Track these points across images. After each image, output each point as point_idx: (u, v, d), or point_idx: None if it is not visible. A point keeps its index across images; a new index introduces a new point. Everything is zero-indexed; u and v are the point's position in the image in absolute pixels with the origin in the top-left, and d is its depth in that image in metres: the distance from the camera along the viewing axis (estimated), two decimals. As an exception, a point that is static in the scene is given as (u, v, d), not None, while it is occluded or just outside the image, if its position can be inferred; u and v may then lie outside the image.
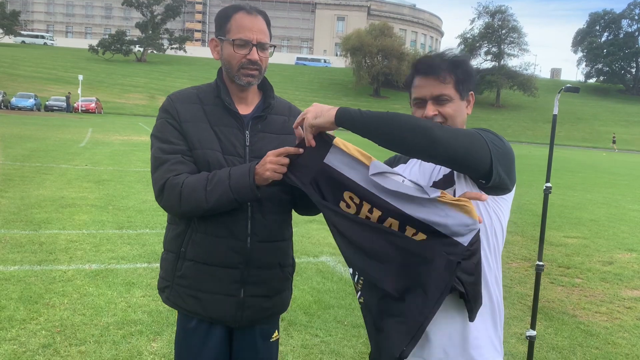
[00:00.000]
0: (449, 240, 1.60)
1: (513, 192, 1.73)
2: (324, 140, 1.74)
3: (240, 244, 1.89)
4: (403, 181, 1.64)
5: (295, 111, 2.12)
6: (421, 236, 1.62)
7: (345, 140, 1.76)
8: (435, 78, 1.74)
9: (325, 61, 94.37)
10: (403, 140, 1.54)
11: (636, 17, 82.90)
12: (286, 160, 1.76)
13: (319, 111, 1.63)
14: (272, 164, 1.75)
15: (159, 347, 3.68)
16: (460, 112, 1.76)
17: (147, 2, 77.48)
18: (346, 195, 1.71)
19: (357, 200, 1.71)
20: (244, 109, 1.97)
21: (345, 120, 1.57)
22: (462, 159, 1.55)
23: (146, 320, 4.09)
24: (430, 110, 1.74)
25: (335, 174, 1.72)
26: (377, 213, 1.67)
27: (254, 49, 1.87)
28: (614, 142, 51.68)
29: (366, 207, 1.69)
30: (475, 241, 1.61)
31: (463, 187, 1.63)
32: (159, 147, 1.90)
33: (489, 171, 1.56)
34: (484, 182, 1.61)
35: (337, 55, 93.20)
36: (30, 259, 5.35)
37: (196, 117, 1.91)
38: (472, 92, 1.81)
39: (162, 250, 2.06)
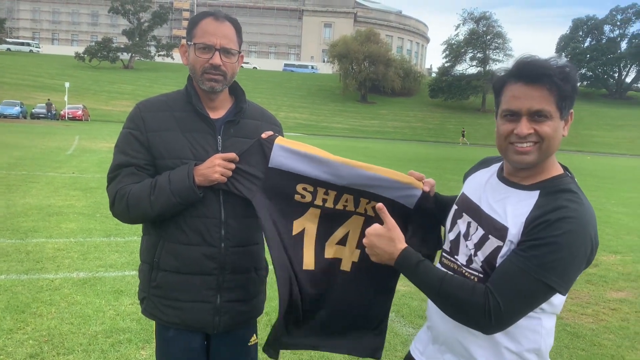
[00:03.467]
0: (398, 205, 1.83)
1: (560, 298, 1.53)
2: (265, 144, 1.87)
3: (214, 250, 1.88)
4: None
5: (268, 116, 2.10)
6: (373, 203, 1.82)
7: (287, 139, 1.90)
8: (539, 88, 1.44)
9: (312, 67, 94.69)
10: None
11: (618, 23, 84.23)
12: (232, 166, 1.84)
13: (379, 247, 1.58)
14: (220, 167, 1.81)
15: (147, 354, 3.67)
16: (559, 133, 1.49)
17: (133, 9, 77.21)
18: (299, 187, 1.87)
19: (310, 189, 1.88)
20: (215, 114, 1.95)
21: (403, 269, 1.56)
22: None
23: (135, 328, 4.07)
24: (525, 127, 1.46)
25: (283, 175, 1.86)
26: (332, 193, 1.88)
27: (217, 53, 1.84)
28: (463, 135, 52.41)
29: (321, 191, 1.88)
30: (420, 206, 1.84)
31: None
32: (116, 159, 1.91)
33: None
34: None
35: (324, 62, 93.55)
36: (17, 268, 5.30)
37: (165, 125, 1.89)
38: (572, 110, 1.53)
39: None
